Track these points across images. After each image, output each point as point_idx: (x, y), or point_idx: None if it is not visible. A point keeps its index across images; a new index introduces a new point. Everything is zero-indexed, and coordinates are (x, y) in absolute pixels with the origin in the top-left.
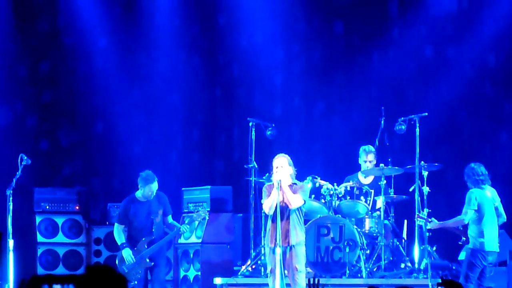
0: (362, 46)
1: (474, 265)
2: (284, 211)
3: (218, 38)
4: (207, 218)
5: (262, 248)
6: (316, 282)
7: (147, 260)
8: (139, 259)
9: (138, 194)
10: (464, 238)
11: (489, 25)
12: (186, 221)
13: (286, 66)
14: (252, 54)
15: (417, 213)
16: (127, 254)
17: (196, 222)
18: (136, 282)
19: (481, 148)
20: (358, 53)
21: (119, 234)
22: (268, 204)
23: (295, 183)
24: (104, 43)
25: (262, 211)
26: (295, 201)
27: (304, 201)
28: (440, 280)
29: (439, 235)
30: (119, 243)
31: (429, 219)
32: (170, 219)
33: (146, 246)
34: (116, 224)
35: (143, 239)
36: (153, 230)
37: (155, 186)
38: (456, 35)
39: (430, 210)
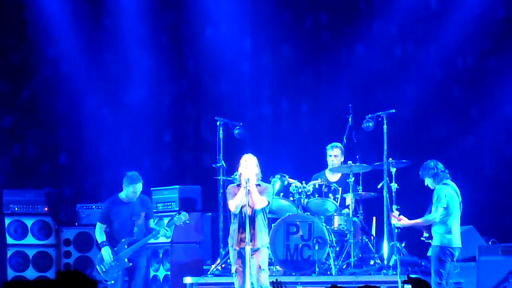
0: (330, 42)
1: (444, 261)
2: (250, 213)
3: (183, 33)
4: (187, 222)
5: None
6: (277, 281)
7: (126, 260)
8: (118, 259)
9: (122, 195)
10: (427, 234)
11: (458, 28)
12: (156, 221)
13: (253, 62)
14: (218, 49)
15: (391, 212)
16: (106, 253)
17: (165, 222)
18: (113, 282)
19: (448, 145)
20: (326, 50)
21: (100, 233)
22: (236, 203)
23: (259, 184)
24: (68, 42)
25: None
26: (260, 201)
27: (268, 202)
28: (406, 278)
29: (408, 231)
30: (99, 242)
31: (399, 217)
32: (152, 223)
33: (126, 247)
34: (98, 223)
35: (123, 239)
36: (134, 231)
37: (139, 187)
38: (425, 36)
39: (399, 207)
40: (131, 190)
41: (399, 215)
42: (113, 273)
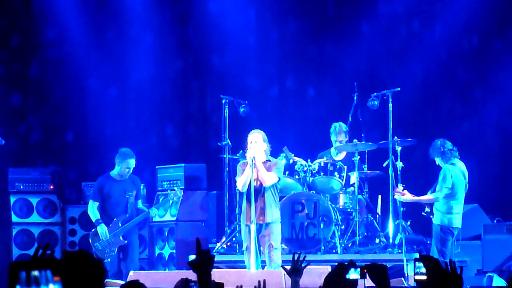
0: (336, 19)
1: (446, 240)
2: (259, 188)
3: (188, 10)
4: (181, 197)
5: (237, 225)
6: (299, 257)
7: (121, 238)
8: (113, 236)
9: (114, 172)
10: (428, 210)
11: (464, 8)
12: (161, 200)
13: (257, 40)
14: (222, 26)
15: (395, 187)
16: (102, 230)
17: (171, 201)
18: (109, 260)
19: (453, 124)
20: (332, 27)
21: (93, 211)
22: (242, 181)
23: (269, 160)
24: (72, 22)
25: (237, 188)
26: (269, 178)
27: (279, 178)
28: (417, 255)
29: (413, 210)
30: (93, 220)
31: (403, 192)
32: (140, 203)
33: (120, 224)
34: (90, 201)
35: (116, 218)
36: (128, 208)
37: (132, 162)
38: (431, 15)
39: (404, 185)
40: (124, 166)
41: (403, 190)
42: (110, 251)
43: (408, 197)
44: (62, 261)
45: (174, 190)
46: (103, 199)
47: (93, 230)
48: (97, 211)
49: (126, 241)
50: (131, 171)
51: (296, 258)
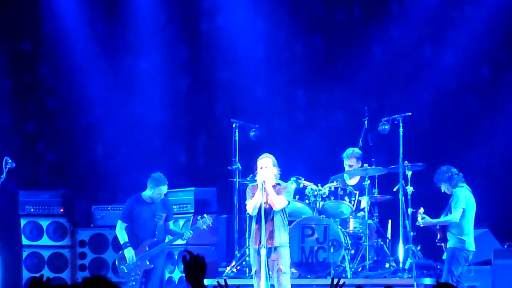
0: (348, 43)
1: (459, 264)
2: (268, 212)
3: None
4: (210, 225)
5: (247, 249)
6: (338, 282)
7: (147, 262)
8: (140, 260)
9: (145, 194)
10: (439, 236)
11: (477, 38)
12: (175, 223)
13: (268, 63)
14: (235, 49)
15: (417, 210)
16: (129, 254)
17: (180, 224)
18: (134, 283)
19: (464, 149)
20: (343, 50)
21: (121, 233)
22: (252, 205)
23: (279, 184)
24: (83, 39)
25: (247, 212)
26: (279, 202)
27: (288, 202)
28: (425, 280)
29: (424, 234)
30: (121, 242)
31: (423, 216)
32: (171, 225)
33: (147, 248)
34: (119, 221)
35: (144, 241)
36: (156, 232)
37: (165, 189)
38: (443, 43)
39: (414, 210)
40: (157, 192)
41: (423, 213)
42: (135, 275)
43: (426, 221)
44: (82, 286)
45: (204, 217)
46: (132, 220)
47: (120, 252)
48: (125, 233)
49: (152, 265)
50: (163, 196)
51: (335, 283)
